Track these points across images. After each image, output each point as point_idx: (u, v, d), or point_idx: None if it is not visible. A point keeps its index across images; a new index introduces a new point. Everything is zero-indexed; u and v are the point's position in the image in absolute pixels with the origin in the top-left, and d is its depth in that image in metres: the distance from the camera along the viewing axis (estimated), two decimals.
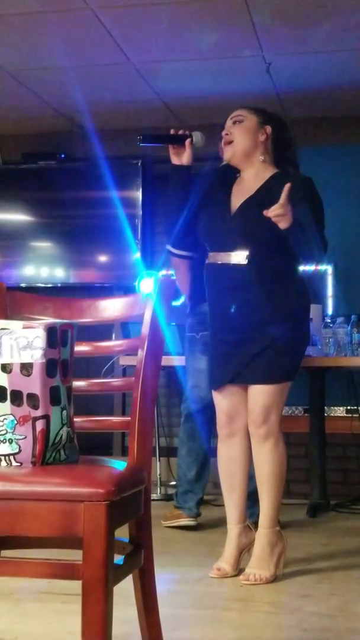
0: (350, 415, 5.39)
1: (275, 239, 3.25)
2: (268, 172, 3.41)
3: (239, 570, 3.31)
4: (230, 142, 3.41)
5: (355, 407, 5.35)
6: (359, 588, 3.19)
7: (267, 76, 5.03)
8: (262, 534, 3.31)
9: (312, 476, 5.02)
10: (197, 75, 5.09)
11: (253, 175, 3.41)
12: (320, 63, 4.89)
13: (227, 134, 3.42)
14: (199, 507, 4.41)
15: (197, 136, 3.41)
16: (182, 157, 3.41)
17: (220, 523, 4.52)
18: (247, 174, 3.44)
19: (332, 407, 5.39)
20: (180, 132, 3.43)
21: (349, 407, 5.42)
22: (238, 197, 3.40)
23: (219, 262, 3.35)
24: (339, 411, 5.45)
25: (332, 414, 5.39)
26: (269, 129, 3.41)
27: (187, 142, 3.39)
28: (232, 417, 3.41)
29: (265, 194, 3.31)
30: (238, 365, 3.34)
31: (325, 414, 5.11)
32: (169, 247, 3.76)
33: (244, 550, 3.39)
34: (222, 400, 3.42)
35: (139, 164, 5.86)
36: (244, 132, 3.39)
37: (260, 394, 3.31)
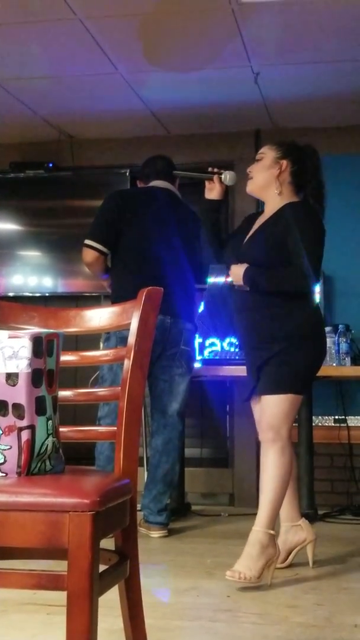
0: (338, 425, 5.40)
1: (278, 266, 3.54)
2: (282, 203, 3.64)
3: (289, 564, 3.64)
4: (251, 178, 3.71)
5: (343, 417, 5.36)
6: (346, 598, 3.19)
7: (255, 86, 5.05)
8: (254, 532, 3.38)
9: (300, 486, 5.00)
10: (184, 86, 5.10)
11: (270, 208, 3.68)
12: (308, 73, 4.91)
13: (249, 171, 3.71)
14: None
15: (226, 175, 3.79)
16: (212, 192, 3.81)
17: (207, 534, 4.53)
18: (267, 207, 3.72)
19: (320, 417, 5.40)
20: (215, 170, 3.81)
21: (337, 417, 5.43)
22: (255, 228, 3.69)
23: (233, 286, 3.68)
24: (327, 421, 5.45)
25: (320, 424, 5.40)
26: (284, 163, 3.66)
27: (216, 178, 3.78)
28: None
29: (270, 225, 3.60)
30: (254, 379, 3.59)
31: (313, 424, 5.12)
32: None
33: (295, 549, 3.66)
34: (254, 411, 3.69)
35: (127, 173, 5.87)
36: (260, 170, 3.67)
37: (266, 405, 3.53)
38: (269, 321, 3.53)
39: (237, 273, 3.57)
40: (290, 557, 3.65)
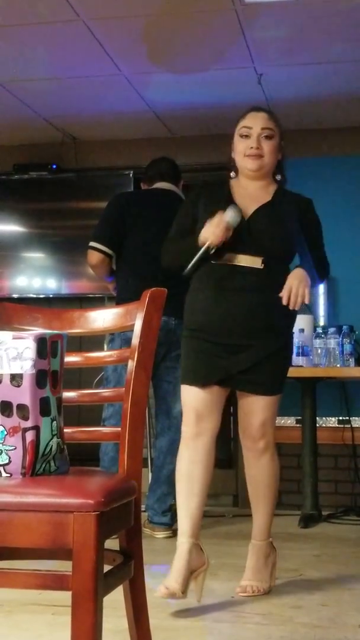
0: (342, 426, 5.40)
1: (287, 248, 3.31)
2: (274, 186, 3.39)
3: (186, 594, 3.01)
4: (260, 156, 3.30)
5: (347, 418, 5.36)
6: (350, 599, 3.19)
7: (258, 87, 5.05)
8: (257, 546, 3.32)
9: (304, 487, 5.02)
10: (188, 87, 5.11)
11: (261, 187, 3.35)
12: (312, 74, 4.91)
13: (258, 148, 3.29)
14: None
15: (232, 217, 3.18)
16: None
17: (211, 535, 4.52)
18: (253, 185, 3.35)
19: (324, 418, 5.40)
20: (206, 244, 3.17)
21: (340, 418, 5.42)
22: (248, 202, 3.30)
23: (229, 264, 3.23)
24: (331, 422, 5.45)
25: (324, 425, 5.40)
26: (282, 146, 3.39)
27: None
28: (201, 416, 3.24)
29: (282, 206, 3.32)
30: (232, 369, 3.20)
31: (317, 425, 5.12)
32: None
33: (193, 572, 3.10)
34: (197, 397, 3.22)
35: (131, 174, 5.88)
36: (273, 150, 3.32)
37: (262, 407, 3.24)
38: (279, 306, 3.16)
39: (302, 276, 3.17)
40: (189, 584, 3.06)
